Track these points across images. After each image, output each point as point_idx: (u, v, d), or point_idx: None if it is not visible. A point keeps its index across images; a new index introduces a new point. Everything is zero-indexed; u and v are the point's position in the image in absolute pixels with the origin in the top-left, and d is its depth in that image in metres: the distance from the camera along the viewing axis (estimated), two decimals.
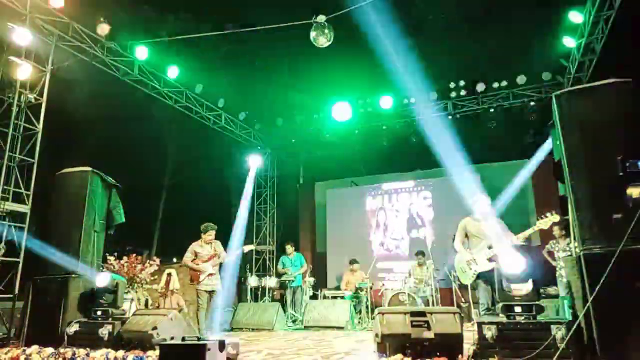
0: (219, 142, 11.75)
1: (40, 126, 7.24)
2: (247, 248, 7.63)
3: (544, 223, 5.51)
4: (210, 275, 6.76)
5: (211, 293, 6.80)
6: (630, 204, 3.48)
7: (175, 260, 10.70)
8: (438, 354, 3.95)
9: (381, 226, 12.51)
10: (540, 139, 9.83)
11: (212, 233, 6.86)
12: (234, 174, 12.38)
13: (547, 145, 8.10)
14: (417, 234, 12.04)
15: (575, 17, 7.95)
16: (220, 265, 7.03)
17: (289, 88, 10.33)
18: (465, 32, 8.23)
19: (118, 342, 4.86)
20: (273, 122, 12.29)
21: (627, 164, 3.56)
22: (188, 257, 6.79)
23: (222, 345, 4.05)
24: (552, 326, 3.77)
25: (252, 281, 10.11)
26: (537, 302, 4.08)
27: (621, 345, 3.40)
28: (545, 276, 7.79)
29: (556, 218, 5.41)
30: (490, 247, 5.66)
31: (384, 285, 10.24)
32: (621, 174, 3.57)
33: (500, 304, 4.26)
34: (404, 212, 12.35)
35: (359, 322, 8.95)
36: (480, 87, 10.34)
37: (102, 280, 5.45)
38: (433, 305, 8.46)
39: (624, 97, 3.86)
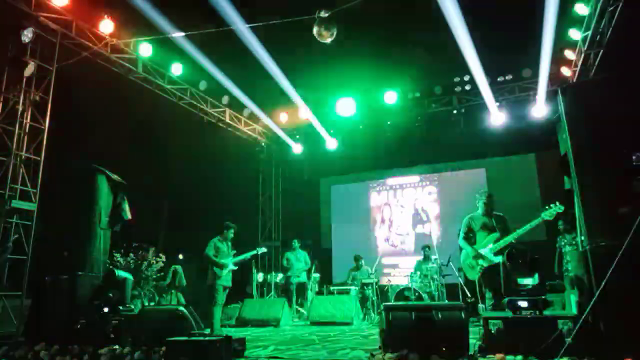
0: (224, 138, 11.75)
1: (46, 124, 7.27)
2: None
3: (549, 214, 5.48)
4: (230, 271, 6.98)
5: (226, 288, 6.97)
6: (637, 197, 3.45)
7: (180, 256, 10.76)
8: (443, 349, 3.94)
9: (386, 221, 12.51)
10: (546, 132, 9.74)
11: (232, 231, 7.17)
12: (239, 170, 12.38)
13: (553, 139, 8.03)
14: (422, 229, 12.03)
15: (581, 8, 7.88)
16: None
17: (293, 83, 10.29)
18: (469, 25, 8.15)
19: (125, 338, 4.89)
20: (277, 118, 12.27)
21: (634, 157, 3.53)
22: (211, 251, 6.95)
23: (228, 341, 4.07)
24: (558, 320, 3.76)
25: (258, 276, 10.14)
26: (543, 297, 4.06)
27: (628, 339, 3.38)
28: (550, 270, 7.77)
29: (560, 208, 5.37)
30: (495, 242, 5.64)
31: (389, 280, 10.26)
32: (627, 167, 3.54)
33: (506, 299, 4.24)
34: (408, 207, 12.33)
35: (365, 318, 8.96)
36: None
37: (109, 277, 5.49)
38: (439, 300, 8.46)
39: (630, 89, 3.83)
